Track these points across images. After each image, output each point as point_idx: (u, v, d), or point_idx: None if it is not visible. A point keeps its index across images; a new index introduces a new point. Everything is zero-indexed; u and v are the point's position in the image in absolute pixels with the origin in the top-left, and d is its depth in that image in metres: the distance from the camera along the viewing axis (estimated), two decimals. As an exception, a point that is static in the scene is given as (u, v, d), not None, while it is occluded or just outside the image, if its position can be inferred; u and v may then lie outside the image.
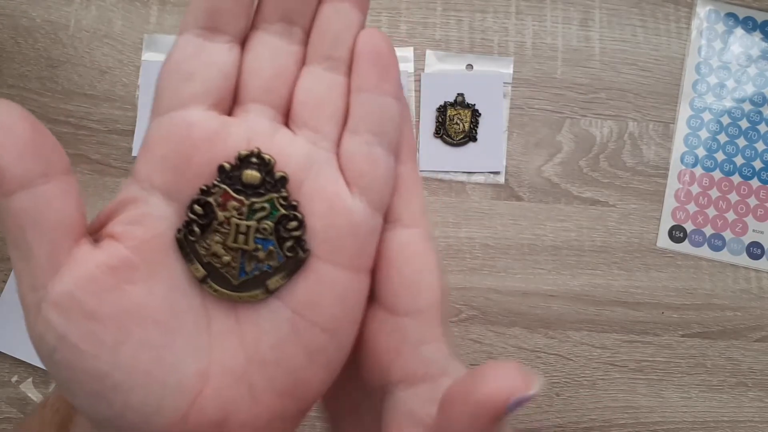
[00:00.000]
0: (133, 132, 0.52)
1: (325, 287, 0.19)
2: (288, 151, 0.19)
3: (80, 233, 0.17)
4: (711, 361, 0.52)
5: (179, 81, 0.18)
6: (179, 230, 0.18)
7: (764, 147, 0.54)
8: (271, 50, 0.19)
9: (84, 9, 0.53)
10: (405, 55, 0.53)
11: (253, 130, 0.19)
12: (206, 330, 0.19)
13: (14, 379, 0.50)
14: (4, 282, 0.50)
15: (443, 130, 0.53)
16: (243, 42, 0.19)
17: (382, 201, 0.19)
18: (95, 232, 0.18)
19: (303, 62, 0.20)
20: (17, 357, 0.50)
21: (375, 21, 0.54)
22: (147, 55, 0.53)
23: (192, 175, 0.18)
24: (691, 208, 0.53)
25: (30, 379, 0.50)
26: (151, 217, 0.18)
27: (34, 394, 0.50)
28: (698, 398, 0.52)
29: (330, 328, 0.19)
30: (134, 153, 0.51)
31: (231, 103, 0.19)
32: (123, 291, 0.17)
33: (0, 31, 0.52)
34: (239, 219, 0.19)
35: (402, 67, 0.53)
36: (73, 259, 0.17)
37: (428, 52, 0.54)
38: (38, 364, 0.50)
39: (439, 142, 0.53)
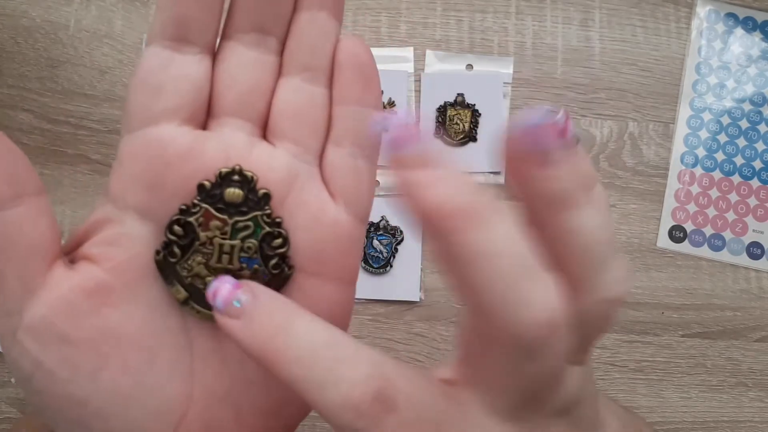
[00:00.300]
0: (133, 132, 0.52)
1: (311, 302, 0.18)
2: (268, 165, 0.18)
3: (54, 255, 0.17)
4: (711, 361, 0.52)
5: (149, 96, 0.18)
6: (158, 252, 0.18)
7: (764, 147, 0.54)
8: (246, 62, 0.18)
9: (84, 9, 0.53)
10: (405, 55, 0.53)
11: (230, 144, 0.18)
12: (188, 352, 0.18)
13: (14, 379, 0.50)
14: (4, 282, 0.50)
15: (443, 131, 0.53)
16: (212, 52, 0.19)
17: (365, 212, 0.19)
18: (70, 253, 0.18)
19: (279, 73, 0.19)
20: (17, 357, 0.49)
21: (375, 21, 0.54)
22: (147, 55, 0.52)
23: (168, 194, 0.18)
24: (691, 208, 0.53)
25: (30, 379, 0.50)
26: (127, 237, 0.17)
27: (34, 394, 0.50)
28: (698, 398, 0.52)
29: None
30: (134, 153, 0.51)
31: (205, 117, 0.18)
32: (99, 315, 0.17)
33: (0, 31, 0.52)
34: (222, 239, 0.18)
35: (402, 67, 0.53)
36: (47, 282, 0.16)
37: (428, 52, 0.54)
38: (38, 364, 0.49)
39: (439, 142, 0.53)
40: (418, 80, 0.53)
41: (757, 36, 0.55)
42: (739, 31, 0.55)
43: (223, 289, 0.16)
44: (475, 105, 0.53)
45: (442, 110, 0.53)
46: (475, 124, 0.53)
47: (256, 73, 0.18)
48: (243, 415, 0.18)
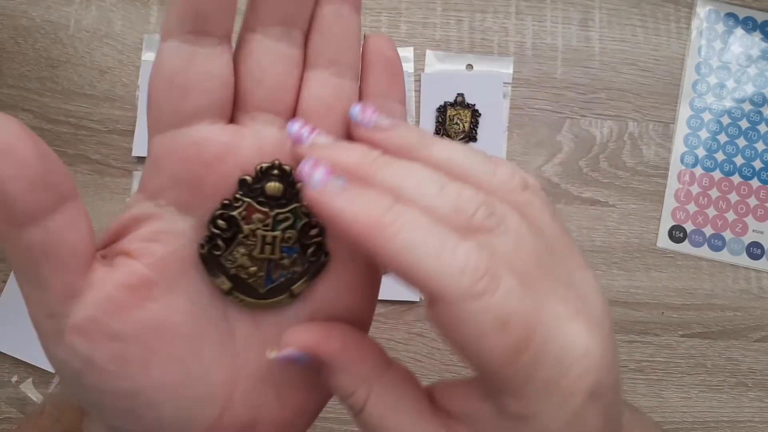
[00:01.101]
0: (133, 132, 0.52)
1: (343, 285, 0.19)
2: (301, 158, 0.19)
3: (92, 255, 0.17)
4: (711, 361, 0.52)
5: (177, 96, 0.18)
6: (202, 245, 0.18)
7: (764, 147, 0.54)
8: (274, 56, 0.19)
9: (84, 9, 0.53)
10: (405, 55, 0.53)
11: (263, 139, 0.19)
12: (230, 338, 0.19)
13: (14, 379, 0.50)
14: (4, 282, 0.50)
15: (443, 130, 0.53)
16: (230, 40, 0.19)
17: None
18: (102, 249, 0.18)
19: (303, 64, 0.19)
20: (17, 357, 0.50)
21: (375, 21, 0.54)
22: (147, 55, 0.53)
23: (208, 191, 0.18)
24: (691, 208, 0.53)
25: (30, 379, 0.50)
26: (168, 233, 0.18)
27: (34, 394, 0.50)
28: (698, 398, 0.52)
29: (349, 318, 0.20)
30: (134, 153, 0.51)
31: (231, 108, 0.19)
32: (144, 309, 0.17)
33: (0, 31, 0.52)
34: (265, 230, 0.19)
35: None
36: (89, 282, 0.16)
37: (428, 52, 0.54)
38: (38, 364, 0.49)
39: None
40: (418, 80, 0.53)
41: (757, 36, 0.55)
42: (739, 31, 0.55)
43: (319, 168, 0.16)
44: (475, 105, 0.53)
45: (442, 110, 0.53)
46: (475, 124, 0.53)
47: (284, 67, 0.19)
48: (283, 392, 0.19)
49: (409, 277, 0.15)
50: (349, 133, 0.20)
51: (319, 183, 0.16)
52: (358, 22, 0.19)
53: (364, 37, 0.20)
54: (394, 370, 0.18)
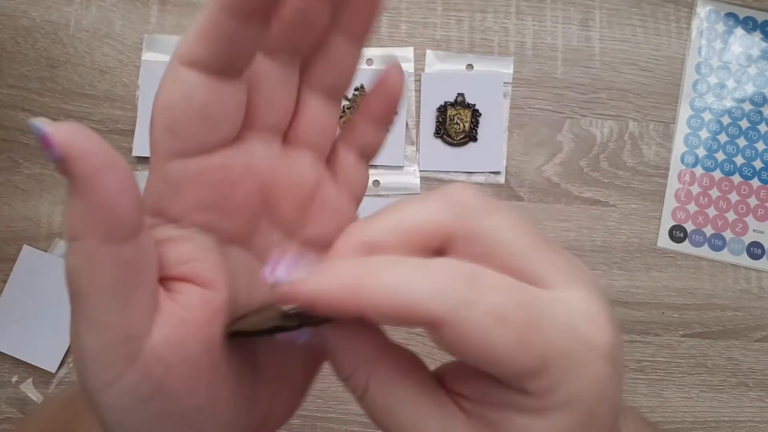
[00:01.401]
0: (133, 132, 0.52)
1: None
2: (305, 174, 0.20)
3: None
4: (711, 361, 0.52)
5: (209, 128, 0.18)
6: (228, 328, 0.18)
7: (764, 147, 0.54)
8: (284, 82, 0.19)
9: (84, 9, 0.53)
10: (405, 55, 0.53)
11: (272, 157, 0.20)
12: (254, 345, 0.20)
13: (14, 379, 0.50)
14: (4, 282, 0.50)
15: (443, 130, 0.53)
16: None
17: (360, 201, 0.23)
18: None
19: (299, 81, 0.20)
20: (17, 357, 0.49)
21: (375, 21, 0.54)
22: (147, 55, 0.53)
23: (232, 209, 0.19)
24: (692, 208, 0.53)
25: (30, 379, 0.50)
26: (203, 250, 0.18)
27: (34, 394, 0.50)
28: (699, 398, 0.52)
29: None
30: (134, 153, 0.51)
31: None
32: (211, 324, 0.17)
33: (0, 31, 0.52)
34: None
35: (402, 67, 0.53)
36: (160, 305, 0.17)
37: (428, 52, 0.54)
38: (38, 364, 0.49)
39: (439, 142, 0.53)
40: (418, 80, 0.53)
41: (757, 36, 0.55)
42: (739, 31, 0.55)
43: (282, 263, 0.17)
44: (475, 105, 0.53)
45: (442, 110, 0.53)
46: (475, 123, 0.53)
47: (289, 91, 0.20)
48: (295, 384, 0.21)
49: (406, 316, 0.15)
50: (334, 146, 0.22)
51: (284, 280, 0.16)
52: (361, 53, 0.20)
53: (385, 63, 0.22)
54: (394, 350, 0.19)
